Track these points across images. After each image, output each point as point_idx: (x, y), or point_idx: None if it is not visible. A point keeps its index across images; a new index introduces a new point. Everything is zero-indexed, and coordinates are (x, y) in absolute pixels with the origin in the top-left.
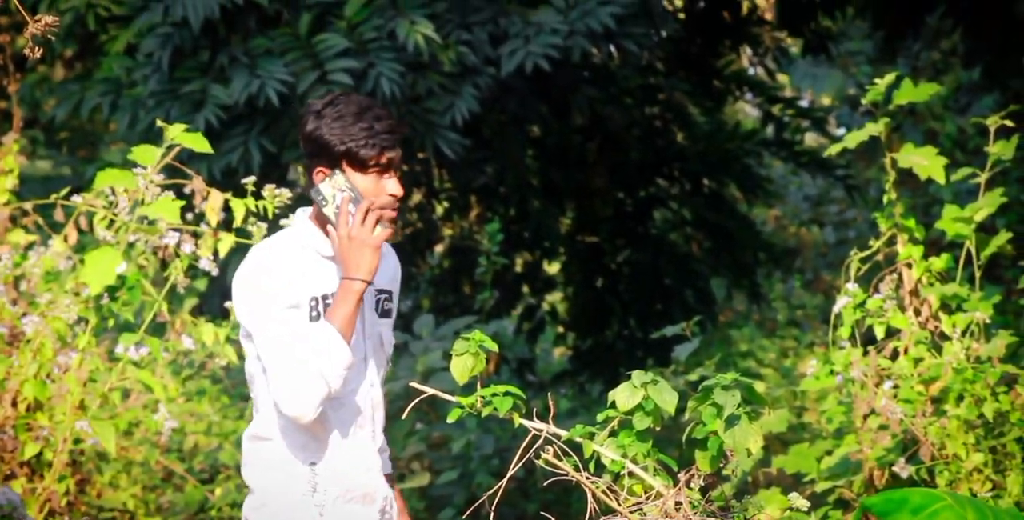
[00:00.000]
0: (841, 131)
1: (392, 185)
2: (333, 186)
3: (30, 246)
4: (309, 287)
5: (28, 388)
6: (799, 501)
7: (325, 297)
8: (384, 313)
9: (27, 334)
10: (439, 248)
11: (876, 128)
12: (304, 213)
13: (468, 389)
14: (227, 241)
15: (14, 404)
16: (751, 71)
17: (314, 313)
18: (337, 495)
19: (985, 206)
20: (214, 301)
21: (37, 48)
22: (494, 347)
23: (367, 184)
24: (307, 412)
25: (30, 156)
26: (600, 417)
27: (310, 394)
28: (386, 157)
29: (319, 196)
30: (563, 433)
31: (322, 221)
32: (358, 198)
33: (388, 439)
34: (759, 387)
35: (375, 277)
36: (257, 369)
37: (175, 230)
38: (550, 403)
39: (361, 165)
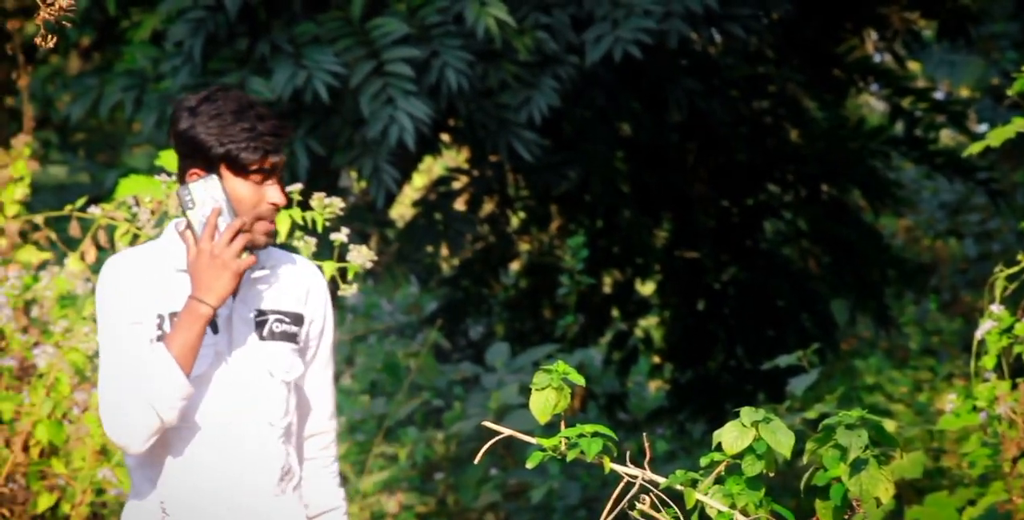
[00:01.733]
0: (983, 127)
1: (273, 193)
2: (205, 190)
3: (43, 265)
4: (157, 303)
5: (41, 430)
6: None
7: (174, 314)
8: (274, 335)
9: (40, 367)
10: (515, 266)
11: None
12: (176, 226)
13: (550, 429)
14: None
15: (25, 449)
16: (877, 58)
17: (159, 332)
18: None
19: None
20: None
21: (50, 36)
22: (580, 380)
23: (246, 191)
24: (131, 443)
25: (42, 161)
26: (703, 461)
27: (134, 422)
28: (269, 162)
29: (187, 196)
30: (661, 480)
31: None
32: (230, 212)
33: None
34: (889, 426)
35: (247, 297)
36: None
37: None
38: (645, 445)
39: (242, 170)
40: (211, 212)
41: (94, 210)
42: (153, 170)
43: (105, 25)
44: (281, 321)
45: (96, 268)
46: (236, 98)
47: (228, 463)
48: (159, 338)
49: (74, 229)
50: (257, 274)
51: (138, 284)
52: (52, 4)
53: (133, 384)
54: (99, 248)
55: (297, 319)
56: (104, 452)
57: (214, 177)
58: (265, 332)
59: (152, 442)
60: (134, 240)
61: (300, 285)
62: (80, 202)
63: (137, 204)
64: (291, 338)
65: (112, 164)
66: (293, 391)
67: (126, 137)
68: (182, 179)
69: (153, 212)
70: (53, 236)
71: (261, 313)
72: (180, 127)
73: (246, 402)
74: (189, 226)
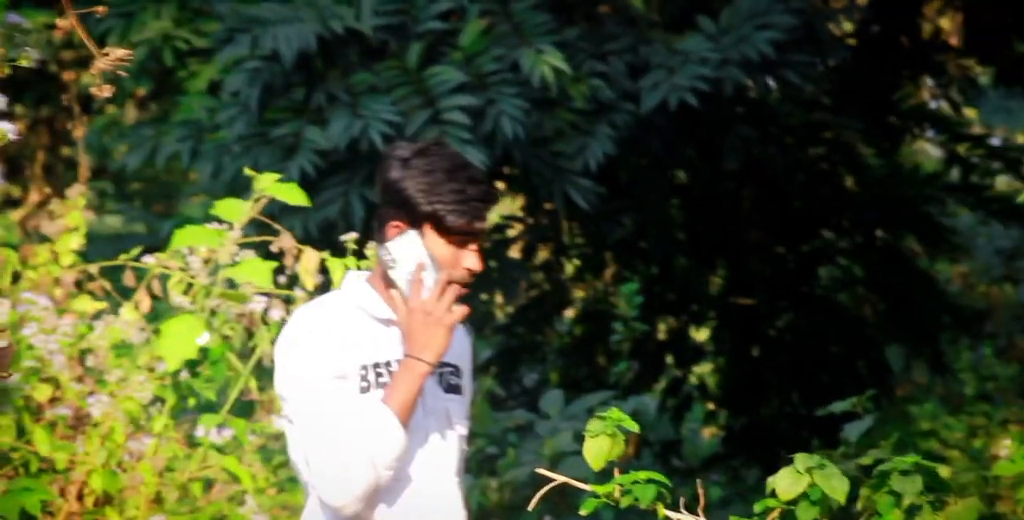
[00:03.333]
0: None
1: (471, 259)
2: (406, 247)
3: (97, 315)
4: (359, 355)
5: (96, 479)
6: None
7: (377, 365)
8: (450, 388)
9: (94, 416)
10: (569, 313)
11: None
12: (357, 277)
13: (604, 476)
14: None
15: (80, 497)
16: (933, 105)
17: (364, 383)
18: None
19: None
20: None
21: (106, 86)
22: (634, 427)
23: (445, 253)
24: (350, 502)
25: (98, 211)
26: (758, 508)
27: (355, 480)
28: (474, 227)
29: (388, 256)
30: None
31: (384, 283)
32: (435, 267)
33: None
34: (944, 472)
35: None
36: (299, 455)
37: (263, 295)
38: (699, 491)
39: (445, 231)
40: (415, 268)
41: (149, 260)
42: (209, 219)
43: (162, 75)
44: (452, 374)
45: (151, 318)
46: (451, 156)
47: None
48: (363, 389)
49: (129, 279)
50: None
51: (337, 337)
52: (108, 54)
53: (350, 440)
54: (153, 297)
55: (458, 371)
56: (158, 500)
57: (413, 233)
58: (443, 385)
59: (361, 505)
60: (188, 289)
61: (458, 338)
62: (135, 252)
63: (191, 253)
64: (459, 390)
65: (168, 214)
66: None
67: (182, 187)
68: (381, 225)
69: (207, 261)
70: (108, 286)
71: (443, 365)
72: (390, 176)
73: (437, 456)
74: (394, 285)
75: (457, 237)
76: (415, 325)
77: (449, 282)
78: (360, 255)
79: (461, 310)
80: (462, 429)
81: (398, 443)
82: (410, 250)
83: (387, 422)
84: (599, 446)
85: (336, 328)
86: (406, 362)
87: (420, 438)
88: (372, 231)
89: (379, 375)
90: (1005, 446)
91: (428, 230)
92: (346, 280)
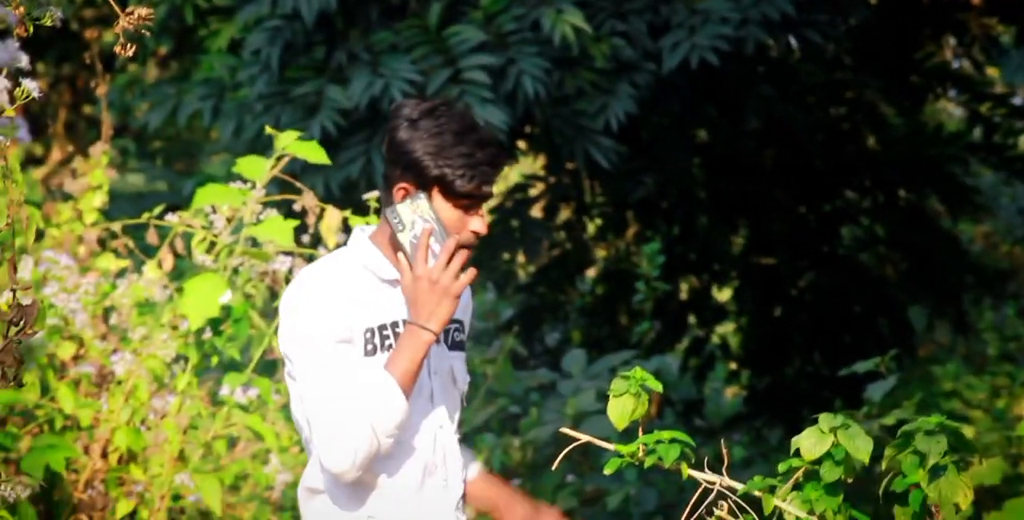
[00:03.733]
0: None
1: (477, 222)
2: (414, 211)
3: (120, 273)
4: (365, 317)
5: (120, 437)
6: None
7: (383, 328)
8: (455, 345)
9: (118, 374)
10: (591, 272)
11: None
12: (362, 233)
13: (627, 435)
14: None
15: (104, 455)
16: (955, 64)
17: (369, 346)
18: None
19: None
20: None
21: (128, 45)
22: (657, 387)
23: (451, 216)
24: (349, 469)
25: (120, 169)
26: (781, 467)
27: (356, 450)
28: (484, 191)
29: (396, 219)
30: (739, 486)
31: (391, 245)
32: (442, 233)
33: (470, 454)
34: (968, 432)
35: None
36: (301, 414)
37: (286, 254)
38: (723, 451)
39: (453, 195)
40: (423, 233)
41: (171, 218)
42: (231, 178)
43: (183, 34)
44: (458, 330)
45: (174, 276)
46: (460, 117)
47: (432, 479)
48: (369, 352)
49: (151, 237)
50: None
51: (342, 299)
52: (131, 13)
53: (352, 408)
54: (176, 256)
55: (462, 326)
56: (182, 458)
57: (422, 196)
58: (449, 342)
59: (361, 472)
60: (211, 248)
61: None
62: (157, 210)
63: (214, 211)
64: (463, 346)
65: (190, 172)
66: None
67: (204, 145)
68: (388, 186)
69: (229, 220)
70: (131, 244)
71: (450, 321)
72: (397, 137)
73: (441, 413)
74: (401, 248)
75: (465, 201)
76: (421, 293)
77: (457, 248)
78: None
79: (468, 275)
80: (463, 385)
81: (400, 412)
82: (418, 213)
83: (390, 391)
84: (622, 405)
85: (342, 288)
86: (411, 330)
87: (424, 397)
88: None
89: (385, 338)
90: None
91: (436, 193)
92: (352, 237)
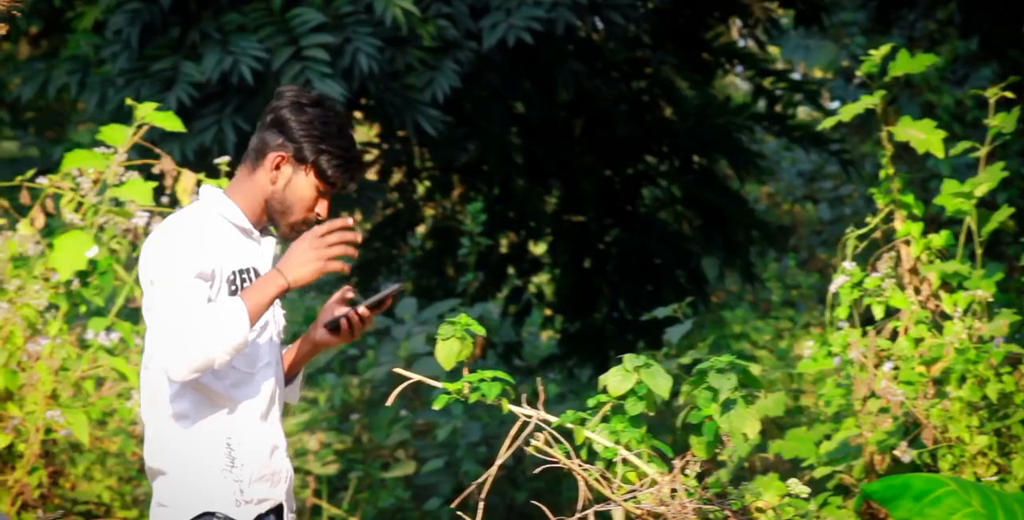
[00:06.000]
0: (835, 104)
1: (323, 206)
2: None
3: None
4: (229, 260)
5: None
6: (798, 487)
7: (243, 271)
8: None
9: None
10: (421, 229)
11: (871, 101)
12: (214, 190)
13: (454, 375)
14: None
15: None
16: (741, 43)
17: (232, 287)
18: (251, 472)
19: (985, 181)
20: None
21: (1, 25)
22: (481, 331)
23: (308, 195)
24: (181, 372)
25: None
26: (591, 402)
27: (193, 357)
28: (346, 185)
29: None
30: (553, 419)
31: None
32: (291, 206)
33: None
34: (755, 370)
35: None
36: (151, 338)
37: (146, 211)
38: (539, 388)
39: (321, 178)
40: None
41: (42, 181)
42: (96, 144)
43: (52, 15)
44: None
45: (45, 233)
46: (343, 116)
47: (275, 407)
48: (232, 293)
49: (24, 198)
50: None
51: (205, 240)
52: None
53: (202, 318)
54: (47, 214)
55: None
56: (54, 396)
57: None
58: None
59: (194, 376)
60: (78, 207)
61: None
62: (30, 173)
63: (81, 174)
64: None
65: (59, 139)
66: None
67: (71, 115)
68: (263, 149)
69: (95, 182)
70: (5, 204)
71: None
72: (286, 114)
73: (274, 346)
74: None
75: (326, 187)
76: (299, 248)
77: (303, 222)
78: (232, 176)
79: (340, 264)
80: (282, 321)
81: (242, 334)
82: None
83: (238, 314)
84: (450, 348)
85: (204, 231)
86: (273, 273)
87: (273, 335)
88: (244, 152)
89: (244, 281)
90: (807, 347)
91: (308, 170)
92: (203, 192)
